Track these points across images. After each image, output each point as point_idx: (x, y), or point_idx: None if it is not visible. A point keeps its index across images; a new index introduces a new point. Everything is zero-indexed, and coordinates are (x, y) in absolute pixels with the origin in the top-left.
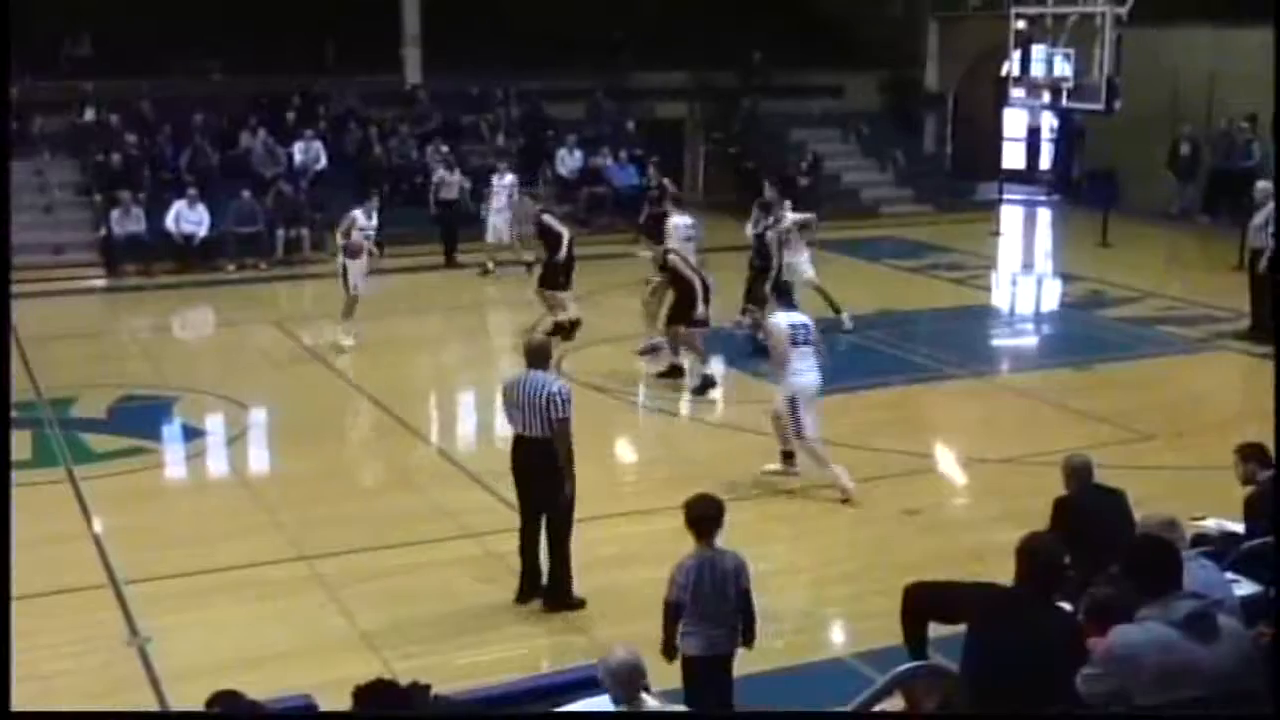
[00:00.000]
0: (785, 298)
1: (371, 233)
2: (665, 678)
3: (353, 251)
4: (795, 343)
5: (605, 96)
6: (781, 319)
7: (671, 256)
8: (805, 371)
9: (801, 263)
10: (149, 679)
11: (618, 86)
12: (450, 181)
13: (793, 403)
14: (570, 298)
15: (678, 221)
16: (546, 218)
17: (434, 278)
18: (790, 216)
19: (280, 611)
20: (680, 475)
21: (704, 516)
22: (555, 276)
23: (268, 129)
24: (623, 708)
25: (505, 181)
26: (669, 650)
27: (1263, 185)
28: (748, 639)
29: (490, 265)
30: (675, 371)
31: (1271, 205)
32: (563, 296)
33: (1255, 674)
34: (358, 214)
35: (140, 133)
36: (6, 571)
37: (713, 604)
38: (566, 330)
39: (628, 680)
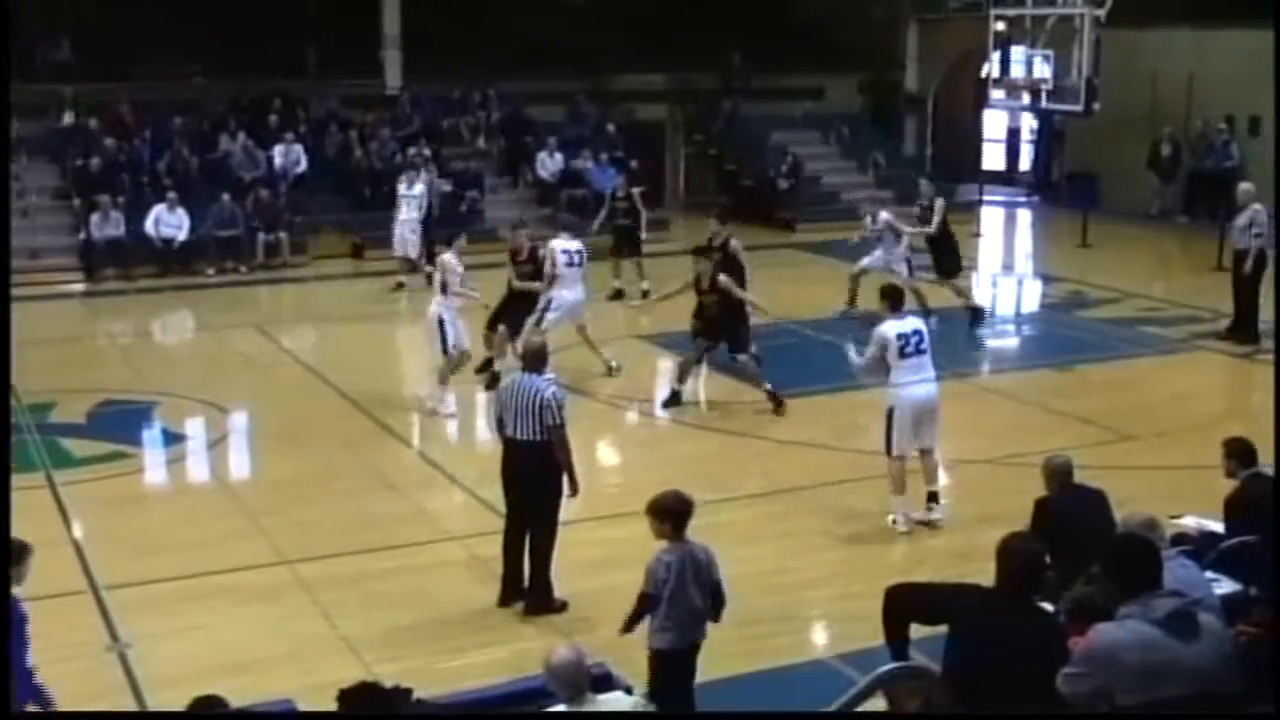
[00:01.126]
0: (897, 303)
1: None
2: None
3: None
4: (904, 354)
5: (586, 99)
6: (890, 328)
7: (723, 278)
8: (911, 385)
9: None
10: (130, 685)
11: (598, 89)
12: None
13: (890, 415)
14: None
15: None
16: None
17: (420, 280)
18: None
19: (262, 616)
20: (661, 478)
21: (678, 511)
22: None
23: (248, 132)
24: (568, 708)
25: (415, 191)
26: (629, 628)
27: (1245, 187)
28: (716, 617)
29: (404, 279)
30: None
31: (1255, 206)
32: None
33: (1235, 672)
34: (449, 258)
35: (119, 136)
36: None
37: (691, 598)
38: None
39: (570, 679)
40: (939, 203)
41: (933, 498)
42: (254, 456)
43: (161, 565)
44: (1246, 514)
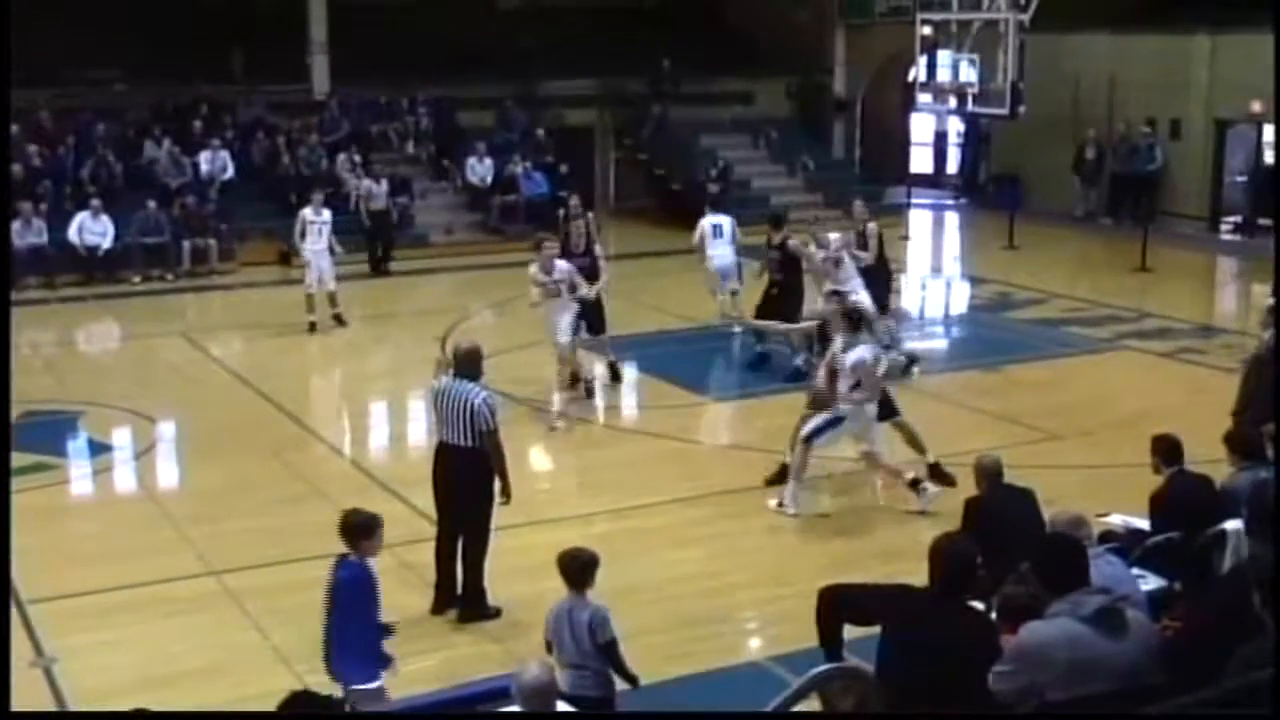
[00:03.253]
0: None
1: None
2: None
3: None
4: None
5: (515, 104)
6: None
7: (792, 240)
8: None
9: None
10: (56, 701)
11: (527, 94)
12: (377, 192)
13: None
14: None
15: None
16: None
17: (356, 286)
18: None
19: (190, 628)
20: (593, 482)
21: (583, 568)
22: None
23: (173, 139)
24: None
25: (324, 216)
26: None
27: None
28: (627, 681)
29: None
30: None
31: None
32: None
33: (1159, 667)
34: (536, 266)
35: (41, 143)
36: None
37: (571, 652)
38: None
39: (539, 701)
40: (872, 227)
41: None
42: (181, 466)
43: (87, 577)
44: (1171, 511)
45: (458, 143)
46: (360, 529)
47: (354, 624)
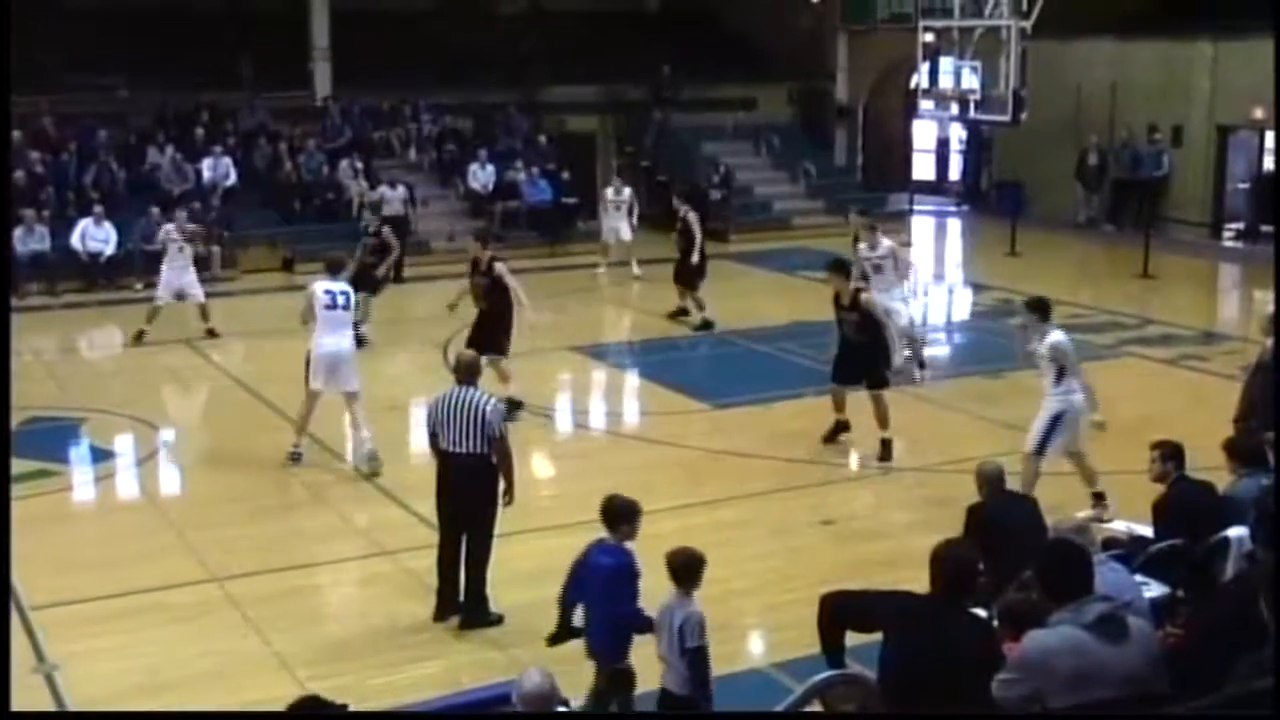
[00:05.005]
0: (1046, 312)
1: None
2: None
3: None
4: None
5: (517, 110)
6: (1064, 334)
7: (865, 296)
8: (1078, 390)
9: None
10: (57, 707)
11: (529, 100)
12: (392, 197)
13: (1057, 419)
14: None
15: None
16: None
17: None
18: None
19: (192, 634)
20: (595, 488)
21: (684, 567)
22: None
23: (175, 145)
24: None
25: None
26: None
27: None
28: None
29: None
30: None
31: None
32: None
33: (1162, 674)
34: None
35: (44, 149)
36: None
37: (664, 648)
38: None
39: (539, 708)
40: (691, 217)
41: (1098, 499)
42: (183, 472)
43: (89, 584)
44: (1174, 518)
45: (457, 148)
46: (621, 514)
47: (612, 606)
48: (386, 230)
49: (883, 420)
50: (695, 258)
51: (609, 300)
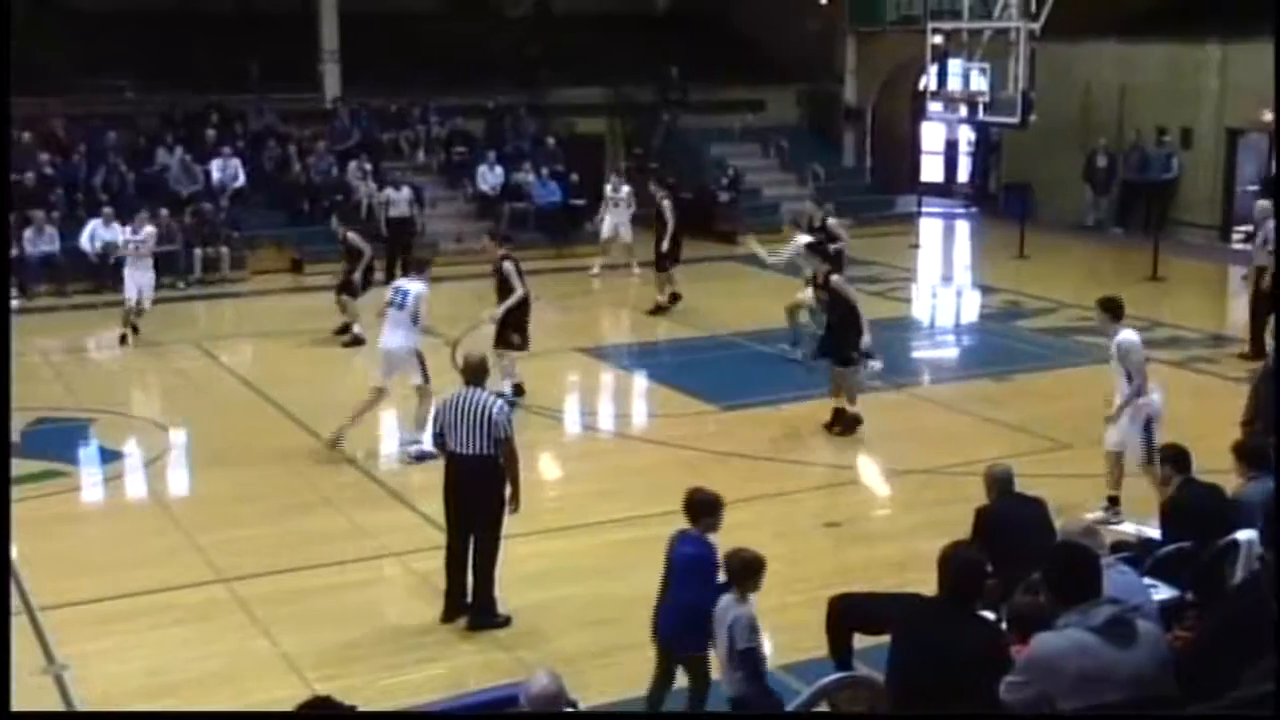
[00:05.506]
0: (1120, 313)
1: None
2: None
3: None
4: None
5: (525, 112)
6: (1136, 335)
7: (835, 278)
8: (1155, 389)
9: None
10: (66, 707)
11: (537, 102)
12: (397, 199)
13: (1149, 424)
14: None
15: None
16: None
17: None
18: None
19: (200, 635)
20: (602, 490)
21: (742, 567)
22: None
23: (184, 147)
24: None
25: (142, 234)
26: None
27: (1262, 204)
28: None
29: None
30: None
31: (1271, 223)
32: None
33: (1170, 677)
34: (423, 288)
35: (53, 151)
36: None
37: (721, 649)
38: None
39: (546, 708)
40: (666, 203)
41: (1113, 503)
42: (191, 474)
43: (97, 585)
44: (1182, 520)
45: (466, 150)
46: (704, 506)
47: (690, 596)
48: (353, 236)
49: (850, 396)
50: (666, 244)
51: (615, 302)
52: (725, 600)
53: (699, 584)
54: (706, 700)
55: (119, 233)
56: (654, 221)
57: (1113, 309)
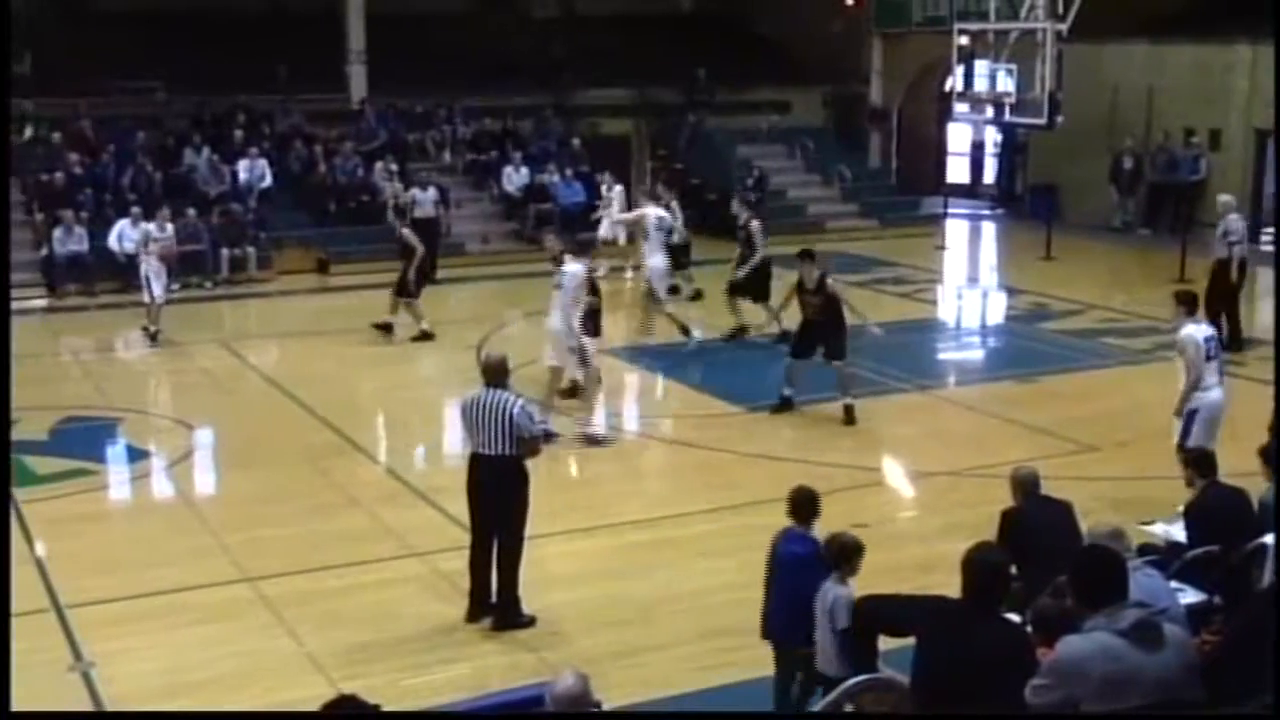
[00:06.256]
0: (1193, 307)
1: None
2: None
3: None
4: (1208, 356)
5: (551, 113)
6: (1196, 331)
7: (830, 281)
8: (1214, 387)
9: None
10: (94, 705)
11: (563, 103)
12: (423, 200)
13: (1192, 416)
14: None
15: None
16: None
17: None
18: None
19: (225, 634)
20: (626, 491)
21: (840, 550)
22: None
23: (212, 147)
24: None
25: (168, 232)
26: None
27: (1224, 199)
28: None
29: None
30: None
31: (1231, 216)
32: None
33: (1197, 681)
34: (580, 268)
35: (82, 151)
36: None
37: (820, 628)
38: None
39: (571, 709)
40: (755, 225)
41: None
42: (217, 473)
43: (125, 583)
44: (1206, 523)
45: (494, 151)
46: (805, 505)
47: (797, 590)
48: (406, 232)
49: (843, 387)
50: (745, 271)
51: (639, 303)
52: (826, 584)
53: (808, 581)
54: (816, 692)
55: (144, 230)
56: (741, 246)
57: (1187, 302)
